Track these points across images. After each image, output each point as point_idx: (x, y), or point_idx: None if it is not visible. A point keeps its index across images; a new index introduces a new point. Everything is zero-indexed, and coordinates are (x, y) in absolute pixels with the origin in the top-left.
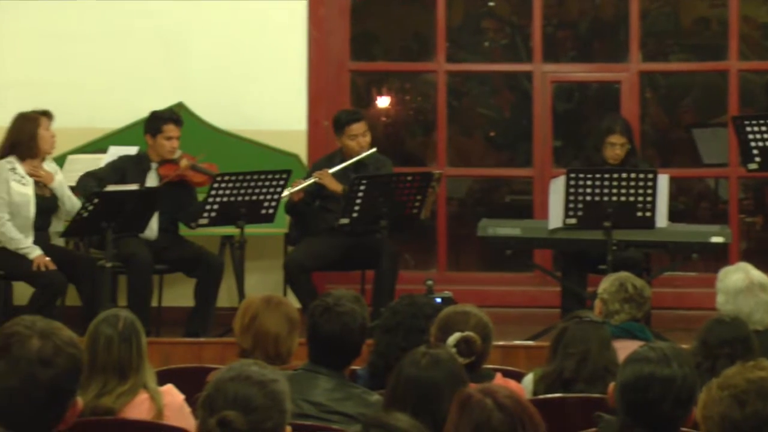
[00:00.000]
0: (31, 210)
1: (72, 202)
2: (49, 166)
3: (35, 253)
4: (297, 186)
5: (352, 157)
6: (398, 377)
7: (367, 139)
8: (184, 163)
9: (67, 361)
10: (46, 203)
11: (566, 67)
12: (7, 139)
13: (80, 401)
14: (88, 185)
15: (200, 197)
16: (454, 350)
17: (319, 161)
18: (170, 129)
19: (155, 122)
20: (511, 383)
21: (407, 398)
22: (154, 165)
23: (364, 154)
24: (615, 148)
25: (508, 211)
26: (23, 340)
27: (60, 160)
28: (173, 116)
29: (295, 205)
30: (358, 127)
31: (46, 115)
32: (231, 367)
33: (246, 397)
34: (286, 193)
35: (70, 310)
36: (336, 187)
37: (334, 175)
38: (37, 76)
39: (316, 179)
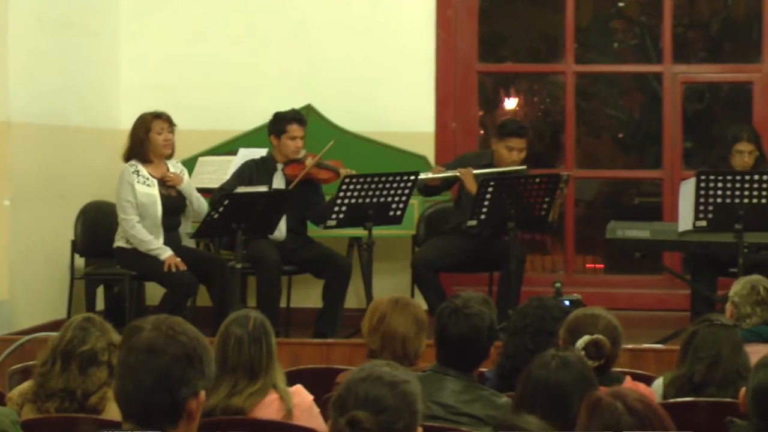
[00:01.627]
0: (158, 210)
1: (200, 203)
2: (174, 167)
3: (166, 253)
4: (437, 173)
5: (501, 166)
6: (527, 380)
7: (522, 155)
8: (309, 161)
9: (177, 349)
10: (173, 202)
11: (697, 67)
12: (128, 142)
13: (203, 394)
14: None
15: (327, 196)
16: (582, 353)
17: (469, 155)
18: (294, 129)
19: (279, 123)
20: (641, 386)
21: (537, 401)
22: (279, 166)
23: (512, 168)
24: (743, 156)
25: (636, 214)
26: (135, 333)
27: (191, 162)
28: (297, 116)
29: (429, 188)
30: (519, 142)
31: (160, 117)
32: (362, 368)
33: (376, 398)
34: (423, 176)
35: (201, 311)
36: (472, 187)
37: (477, 176)
38: (168, 79)
39: (459, 173)
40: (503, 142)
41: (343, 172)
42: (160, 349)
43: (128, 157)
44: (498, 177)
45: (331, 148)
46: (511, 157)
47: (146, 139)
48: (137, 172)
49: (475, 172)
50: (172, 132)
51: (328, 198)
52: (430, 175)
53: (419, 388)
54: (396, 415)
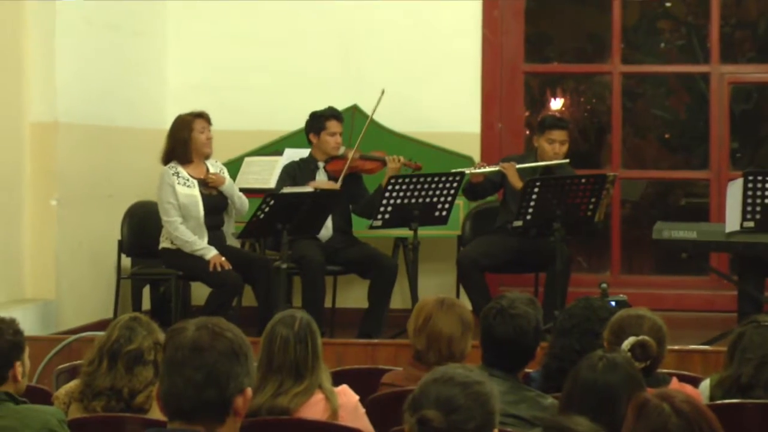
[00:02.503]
0: (200, 210)
1: (242, 201)
2: (213, 166)
3: (211, 253)
4: (479, 168)
5: (544, 160)
6: (575, 381)
7: (564, 148)
8: (352, 154)
9: (223, 346)
10: (214, 202)
11: (744, 68)
12: (167, 143)
13: (249, 391)
14: None
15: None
16: (628, 354)
17: (511, 157)
18: (333, 125)
19: (317, 120)
20: (688, 388)
21: (584, 402)
22: (321, 164)
23: (555, 162)
24: None
25: (683, 214)
26: (180, 332)
27: (236, 162)
28: (334, 113)
29: (474, 187)
30: (559, 134)
31: (201, 116)
32: (437, 370)
33: (448, 398)
34: (467, 171)
35: (247, 311)
36: (517, 182)
37: (520, 171)
38: (214, 80)
39: (500, 168)
40: (544, 135)
41: (389, 159)
42: (207, 346)
43: (167, 159)
44: (544, 177)
45: (365, 135)
46: (553, 149)
47: (189, 139)
48: (177, 173)
49: (519, 166)
50: (209, 130)
51: (367, 192)
52: (474, 171)
53: (495, 390)
54: (467, 414)
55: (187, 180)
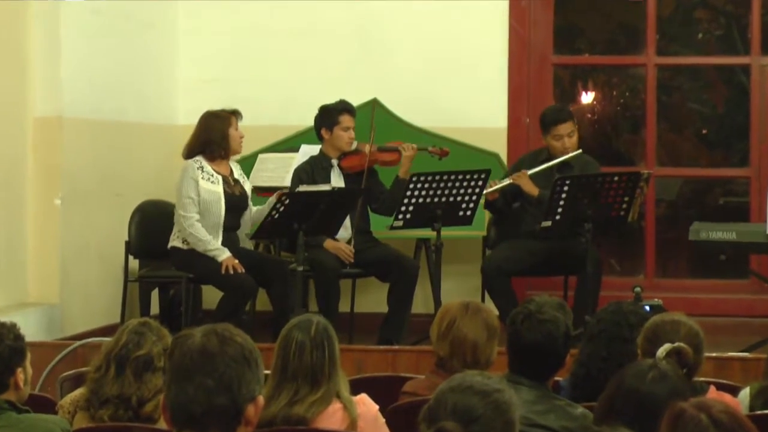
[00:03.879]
0: (222, 208)
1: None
2: (235, 168)
3: (224, 255)
4: (492, 187)
5: (556, 157)
6: (617, 388)
7: (573, 140)
8: (369, 148)
9: (234, 350)
10: (236, 201)
11: None
12: (196, 138)
13: (261, 399)
14: None
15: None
16: (663, 362)
17: (525, 157)
18: (346, 119)
19: (329, 115)
20: (726, 397)
21: (625, 411)
22: (334, 161)
23: (567, 156)
24: None
25: (721, 214)
26: (187, 339)
27: (250, 159)
28: (347, 106)
29: (493, 204)
30: (564, 128)
31: (236, 114)
32: (453, 378)
33: (466, 408)
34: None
35: (261, 316)
36: (532, 190)
37: (535, 176)
38: (228, 73)
39: (513, 181)
40: (549, 134)
41: (403, 147)
42: (217, 351)
43: (191, 153)
44: (574, 175)
45: (386, 131)
46: (562, 145)
47: (228, 136)
48: (202, 168)
49: (531, 172)
50: None
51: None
52: (487, 190)
53: (514, 398)
54: (488, 425)
55: (212, 175)
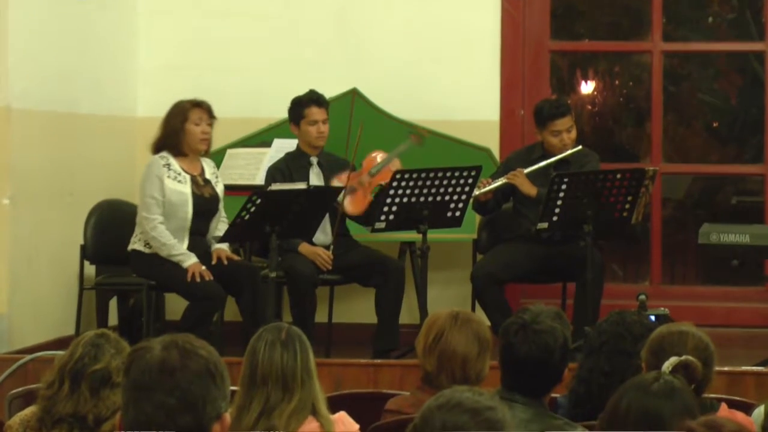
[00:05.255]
0: (189, 211)
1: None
2: (209, 167)
3: (190, 260)
4: (485, 187)
5: (553, 155)
6: (619, 403)
7: (572, 135)
8: (364, 178)
9: (197, 365)
10: (206, 204)
11: None
12: (159, 131)
13: (227, 417)
14: None
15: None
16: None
17: (516, 153)
18: (314, 112)
19: (296, 108)
20: (739, 415)
21: (626, 428)
22: (314, 160)
23: (567, 153)
24: None
25: (734, 215)
26: (145, 353)
27: (218, 155)
28: (314, 97)
29: (484, 205)
30: (563, 123)
31: (200, 105)
32: (441, 394)
33: (455, 427)
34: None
35: (230, 326)
36: (530, 190)
37: (531, 174)
38: (191, 59)
39: (508, 180)
40: (547, 129)
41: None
42: (178, 366)
43: (158, 148)
44: (572, 173)
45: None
46: (561, 142)
47: (181, 130)
48: (168, 165)
49: (527, 171)
50: (210, 125)
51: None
52: (480, 191)
53: (508, 416)
54: None
55: (179, 174)
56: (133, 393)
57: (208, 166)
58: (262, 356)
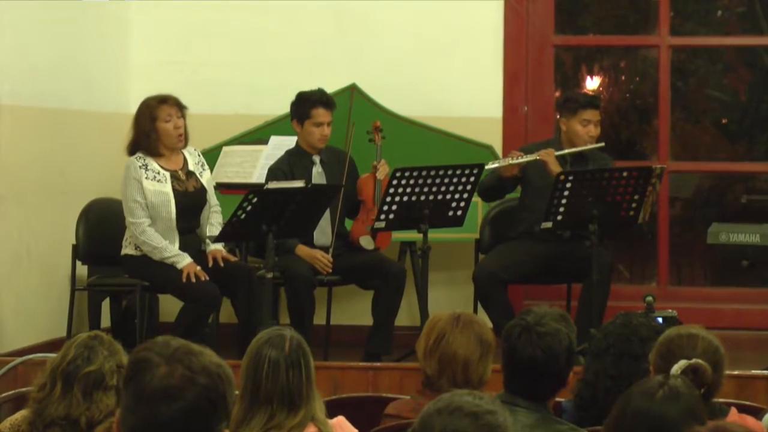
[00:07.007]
0: (172, 211)
1: (213, 202)
2: (191, 155)
3: (184, 261)
4: (517, 159)
5: (575, 145)
6: (624, 409)
7: (598, 131)
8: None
9: (196, 393)
10: (189, 199)
11: None
12: (131, 133)
13: None
14: None
15: None
16: (677, 379)
17: (529, 146)
18: (320, 113)
19: (302, 106)
20: (749, 420)
21: None
22: (317, 158)
23: (591, 146)
24: None
25: (744, 214)
26: (146, 368)
27: (213, 153)
28: (322, 98)
29: (500, 183)
30: (594, 114)
31: (166, 101)
32: (440, 398)
33: (456, 431)
34: (496, 164)
35: (225, 328)
36: (557, 169)
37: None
38: (186, 54)
39: (539, 157)
40: (577, 116)
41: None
42: (176, 394)
43: (133, 149)
44: (577, 170)
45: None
46: (588, 132)
47: (153, 130)
48: (145, 166)
49: (557, 153)
50: (182, 117)
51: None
52: (508, 162)
53: (509, 421)
54: None
55: (158, 173)
56: (135, 403)
57: (191, 156)
58: (265, 374)
